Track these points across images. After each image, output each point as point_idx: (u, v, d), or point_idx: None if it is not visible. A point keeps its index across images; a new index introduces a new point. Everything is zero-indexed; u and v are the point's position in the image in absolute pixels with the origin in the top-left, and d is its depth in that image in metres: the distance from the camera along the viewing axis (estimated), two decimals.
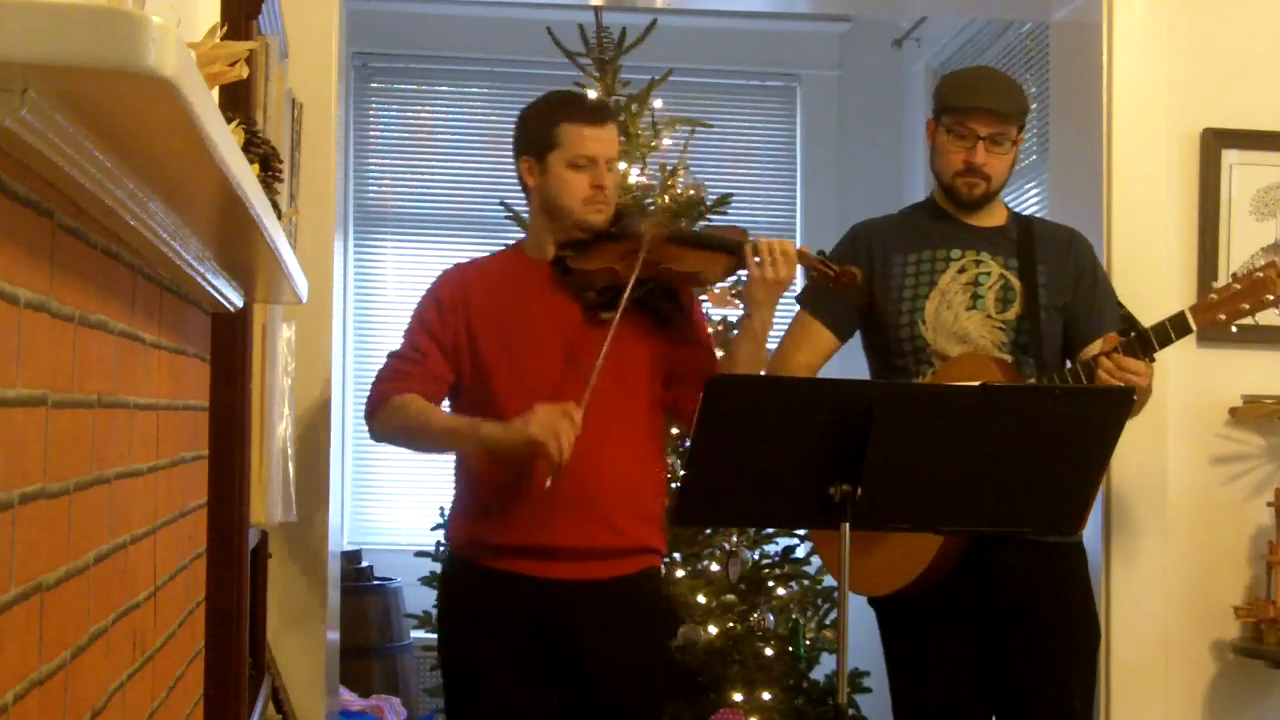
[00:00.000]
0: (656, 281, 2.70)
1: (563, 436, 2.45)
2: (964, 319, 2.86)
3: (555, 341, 2.68)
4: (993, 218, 2.96)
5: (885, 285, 2.93)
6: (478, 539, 2.70)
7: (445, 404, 2.76)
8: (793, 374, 2.93)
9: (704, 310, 3.04)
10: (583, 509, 2.63)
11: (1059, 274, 2.91)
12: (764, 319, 2.69)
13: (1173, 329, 2.71)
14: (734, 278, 2.89)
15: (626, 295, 2.59)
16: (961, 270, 2.90)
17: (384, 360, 2.75)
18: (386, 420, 2.69)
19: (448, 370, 2.72)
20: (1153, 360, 2.72)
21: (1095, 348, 2.77)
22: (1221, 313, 2.74)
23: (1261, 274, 2.73)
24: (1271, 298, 2.73)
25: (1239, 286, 2.74)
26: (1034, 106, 4.43)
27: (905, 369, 2.89)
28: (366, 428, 2.75)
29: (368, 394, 2.73)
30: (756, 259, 2.64)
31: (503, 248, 2.94)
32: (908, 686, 2.89)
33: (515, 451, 2.55)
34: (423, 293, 2.80)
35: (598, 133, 2.72)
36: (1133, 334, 2.72)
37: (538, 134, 2.75)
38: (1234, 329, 2.79)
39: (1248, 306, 2.73)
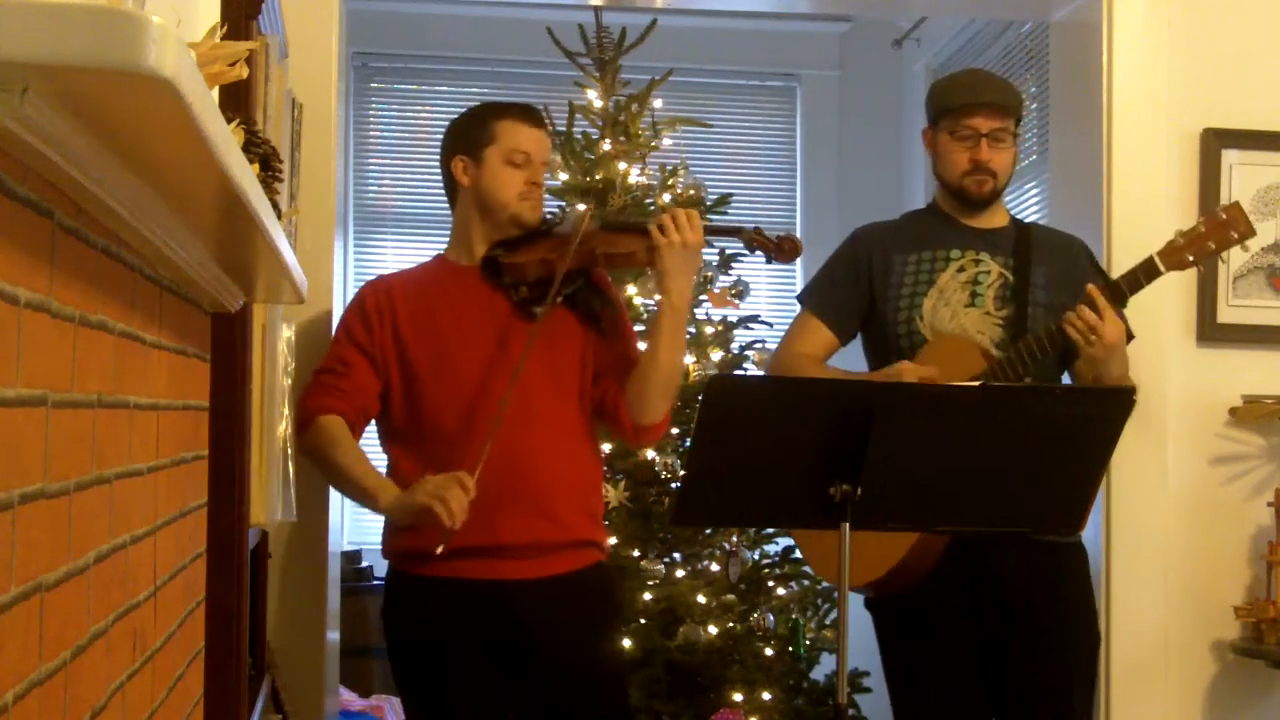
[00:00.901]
0: (588, 274, 2.73)
1: (452, 502, 2.43)
2: (961, 315, 2.87)
3: (484, 339, 2.68)
4: (994, 219, 2.98)
5: (885, 284, 2.94)
6: (414, 548, 2.62)
7: (373, 424, 2.78)
8: (792, 366, 2.94)
9: (626, 307, 3.06)
10: (521, 503, 2.62)
11: (1061, 276, 2.91)
12: (679, 288, 2.68)
13: (1142, 274, 2.76)
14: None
15: (557, 282, 2.61)
16: (961, 269, 2.91)
17: (310, 376, 2.75)
18: (309, 443, 2.71)
19: (375, 381, 2.72)
20: (1123, 305, 2.76)
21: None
22: (1189, 253, 2.76)
23: (1225, 214, 2.76)
24: (1236, 235, 2.76)
25: (1203, 227, 2.78)
26: (1034, 106, 4.44)
27: None
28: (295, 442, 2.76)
29: (296, 407, 2.73)
30: (661, 230, 2.65)
31: (421, 263, 2.95)
32: (907, 690, 2.89)
33: (409, 521, 2.54)
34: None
35: (534, 133, 2.76)
36: (1104, 284, 2.76)
37: (473, 132, 2.77)
38: (1234, 326, 2.80)
39: (1214, 245, 2.76)
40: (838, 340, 3.00)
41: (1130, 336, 2.88)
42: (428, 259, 2.94)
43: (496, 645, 2.66)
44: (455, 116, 2.87)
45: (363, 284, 2.89)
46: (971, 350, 2.81)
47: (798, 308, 3.08)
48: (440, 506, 2.43)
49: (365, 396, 2.72)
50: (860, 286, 2.98)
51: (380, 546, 2.79)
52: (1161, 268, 2.75)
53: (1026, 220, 3.22)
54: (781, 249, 2.74)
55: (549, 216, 2.88)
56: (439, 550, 2.46)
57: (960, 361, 2.79)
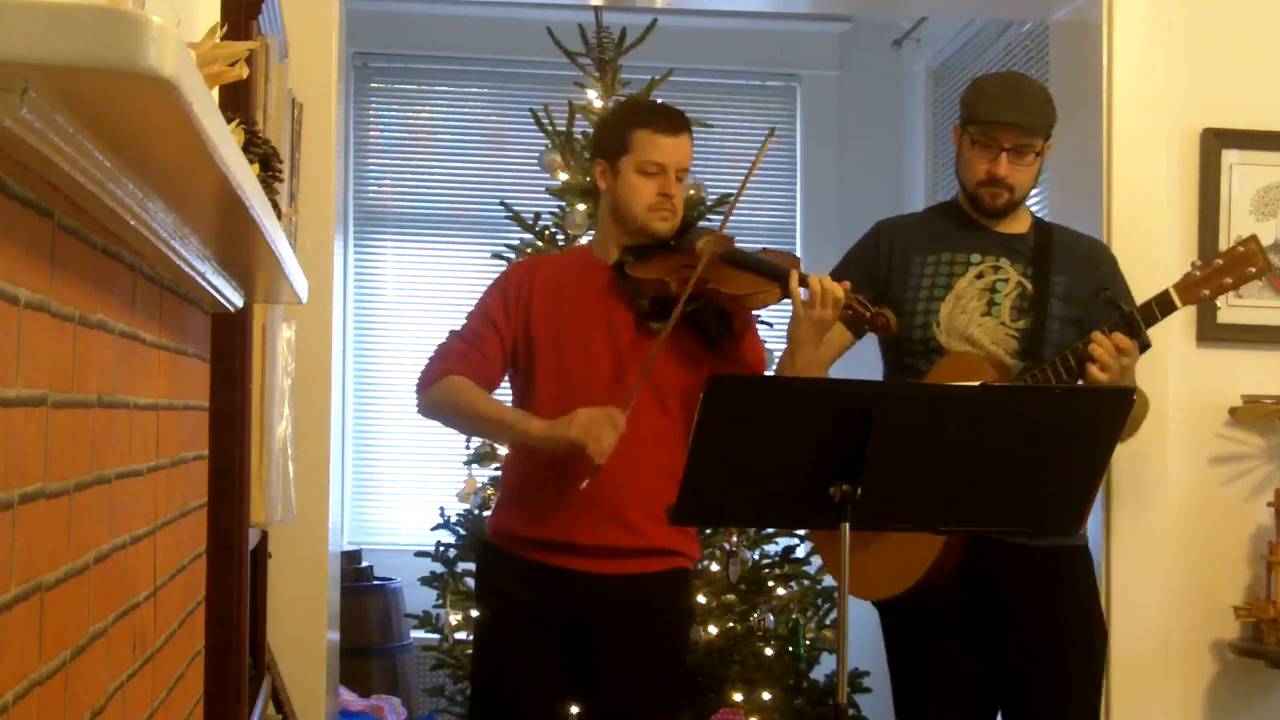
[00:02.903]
0: (707, 300, 2.71)
1: (604, 439, 2.53)
2: (976, 324, 2.85)
3: (604, 346, 2.74)
4: (1015, 224, 2.94)
5: (903, 284, 2.92)
6: (507, 530, 2.81)
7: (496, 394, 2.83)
8: (826, 342, 2.89)
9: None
10: (604, 512, 2.70)
11: (1077, 286, 2.89)
12: (806, 358, 2.69)
13: (1158, 308, 2.71)
14: None
15: (677, 312, 2.63)
16: (979, 275, 2.89)
17: (445, 336, 2.81)
18: (437, 397, 2.76)
19: (503, 360, 2.79)
20: (1141, 340, 2.71)
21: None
22: (1205, 289, 2.73)
23: (1243, 248, 2.73)
24: (1254, 270, 2.72)
25: (1221, 261, 2.74)
26: None
27: (915, 368, 2.89)
28: (416, 399, 2.81)
29: (424, 367, 2.80)
30: (804, 293, 2.65)
31: (575, 240, 2.98)
32: (910, 689, 2.89)
33: (557, 450, 2.61)
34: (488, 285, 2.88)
35: (671, 141, 2.76)
36: (1119, 317, 2.71)
37: (612, 138, 2.80)
38: (1233, 325, 2.79)
39: (1230, 281, 2.73)
40: (852, 336, 2.99)
41: (1146, 346, 2.87)
42: (575, 246, 2.98)
43: (565, 627, 2.74)
44: (608, 112, 2.89)
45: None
46: (983, 366, 2.78)
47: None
48: (594, 444, 2.52)
49: (490, 367, 2.78)
50: (878, 283, 2.95)
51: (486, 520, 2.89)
52: (1178, 303, 2.71)
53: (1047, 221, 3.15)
54: (875, 324, 2.71)
55: (692, 226, 2.86)
56: (584, 485, 2.56)
57: (972, 379, 2.76)
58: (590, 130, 4.33)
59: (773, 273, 2.72)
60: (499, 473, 3.90)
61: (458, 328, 2.83)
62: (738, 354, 2.82)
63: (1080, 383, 2.86)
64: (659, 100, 2.90)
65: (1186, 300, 2.72)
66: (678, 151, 2.76)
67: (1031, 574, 2.79)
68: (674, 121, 2.79)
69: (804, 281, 2.67)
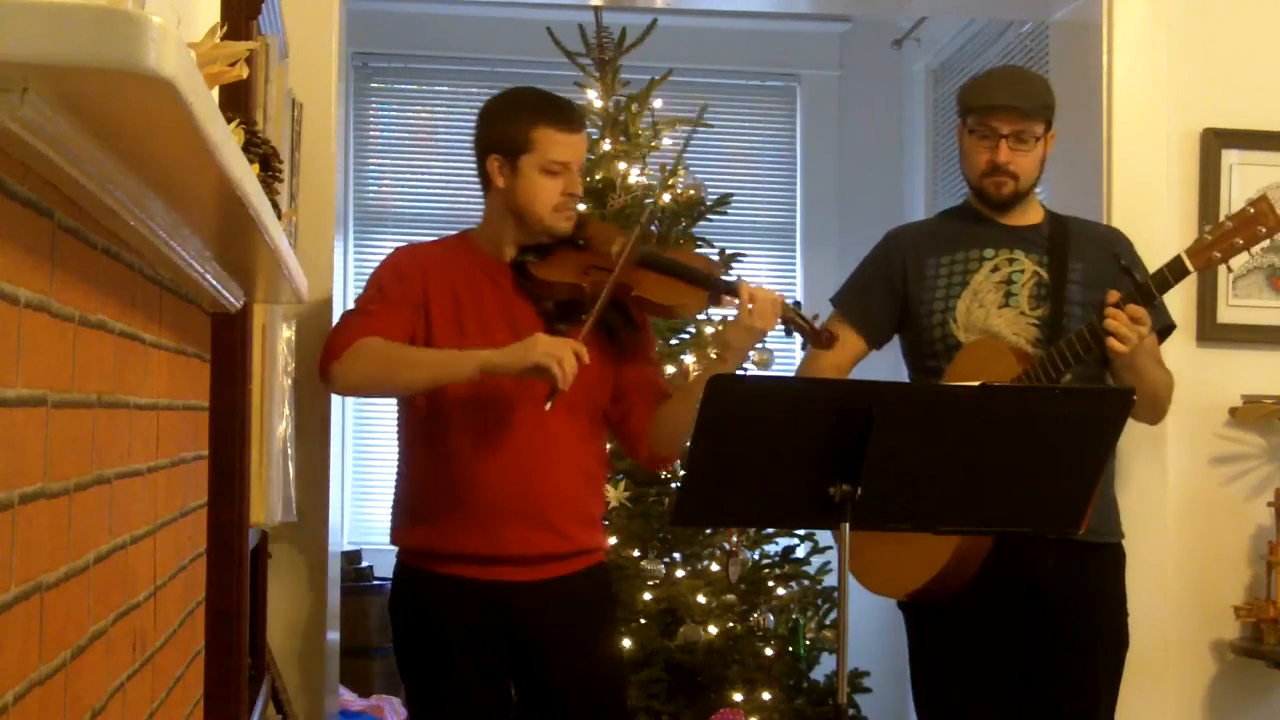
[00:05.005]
0: (620, 302, 2.67)
1: (566, 363, 2.43)
2: (995, 316, 2.85)
3: (505, 340, 2.60)
4: (1027, 216, 2.95)
5: (919, 288, 2.92)
6: (426, 546, 2.71)
7: None
8: (821, 374, 2.90)
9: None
10: (530, 518, 2.65)
11: (1095, 271, 2.88)
12: (737, 363, 2.68)
13: (1170, 274, 2.69)
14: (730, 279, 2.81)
15: (592, 318, 2.56)
16: (995, 269, 2.89)
17: (334, 321, 2.70)
18: (352, 363, 2.58)
19: (410, 323, 2.65)
20: (1153, 307, 2.70)
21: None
22: (1216, 250, 2.71)
23: (1253, 208, 2.72)
24: (1264, 229, 2.70)
25: (1231, 224, 2.72)
26: None
27: (937, 369, 2.89)
28: (324, 381, 2.66)
29: (324, 347, 2.64)
30: (742, 302, 2.60)
31: (446, 236, 2.91)
32: (936, 691, 2.88)
33: (516, 373, 2.49)
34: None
35: (573, 139, 2.70)
36: (1133, 286, 2.69)
37: (510, 134, 2.70)
38: (1235, 326, 2.78)
39: (1241, 242, 2.71)
40: (868, 346, 2.98)
41: (1172, 326, 2.84)
42: (450, 234, 2.89)
43: (497, 640, 2.69)
44: (489, 101, 2.78)
45: (389, 253, 2.82)
46: (1004, 353, 2.77)
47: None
48: (557, 367, 2.42)
49: (399, 332, 2.63)
50: (894, 292, 2.95)
51: (389, 535, 2.79)
52: (1190, 266, 2.68)
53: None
54: (820, 340, 2.67)
55: (591, 220, 2.82)
56: (547, 407, 2.47)
57: (994, 366, 2.75)
58: (590, 131, 4.34)
59: (699, 279, 2.66)
60: None
61: (348, 308, 2.71)
62: (643, 349, 2.79)
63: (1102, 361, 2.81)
64: (551, 91, 2.80)
65: (1198, 264, 2.70)
66: (579, 147, 2.71)
67: (1073, 575, 2.79)
68: (574, 116, 2.72)
69: (733, 290, 2.62)
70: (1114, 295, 2.68)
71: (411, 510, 2.76)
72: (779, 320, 2.63)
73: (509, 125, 2.71)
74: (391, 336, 2.61)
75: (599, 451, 2.81)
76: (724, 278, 2.71)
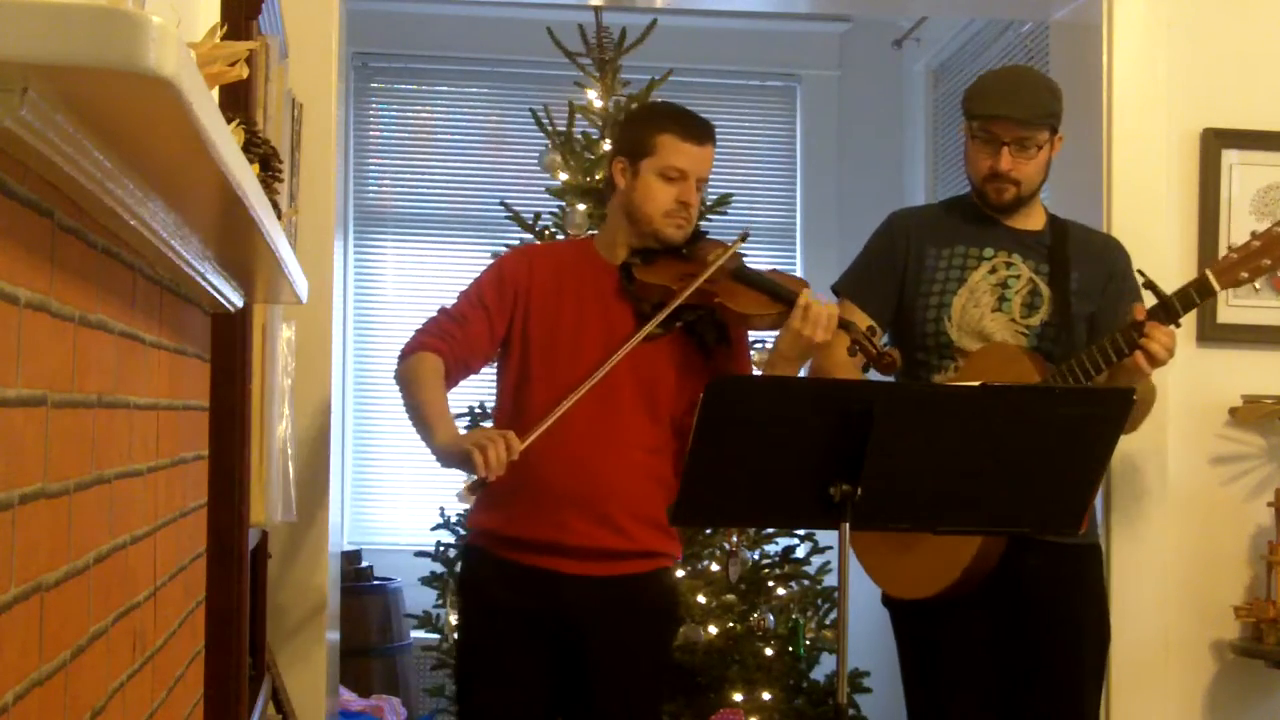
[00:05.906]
0: (709, 312, 2.71)
1: (491, 455, 2.46)
2: (988, 319, 2.84)
3: (597, 344, 2.69)
4: (1030, 220, 2.93)
5: (916, 277, 2.91)
6: (491, 529, 2.77)
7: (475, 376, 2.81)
8: (836, 364, 2.87)
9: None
10: (593, 512, 2.68)
11: (1089, 281, 2.88)
12: (786, 372, 2.68)
13: (1196, 292, 2.68)
14: None
15: (665, 313, 2.62)
16: (992, 270, 2.88)
17: (435, 311, 2.78)
18: (405, 369, 2.72)
19: (487, 342, 2.75)
20: (1178, 326, 2.69)
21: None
22: (1243, 270, 2.69)
23: (1278, 229, 2.71)
24: None
25: (1258, 243, 2.70)
26: None
27: (926, 363, 2.89)
28: (395, 365, 2.78)
29: (411, 337, 2.76)
30: (796, 308, 2.63)
31: (573, 237, 2.95)
32: (924, 689, 2.88)
33: (452, 462, 2.57)
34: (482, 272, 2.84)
35: (697, 150, 2.74)
36: (1158, 304, 2.67)
37: (636, 137, 2.77)
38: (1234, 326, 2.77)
39: (1269, 262, 2.69)
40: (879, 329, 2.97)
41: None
42: (574, 238, 2.94)
43: (551, 628, 2.72)
44: (635, 110, 2.84)
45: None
46: (1020, 359, 2.77)
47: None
48: (478, 455, 2.46)
49: (471, 351, 2.74)
50: (895, 275, 2.93)
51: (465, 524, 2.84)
52: (1216, 286, 2.67)
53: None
54: (881, 362, 2.68)
55: (702, 236, 2.84)
56: (458, 495, 2.55)
57: (1011, 371, 2.74)
58: (589, 130, 4.34)
59: (782, 295, 2.69)
60: None
61: (449, 304, 2.80)
62: (732, 366, 2.81)
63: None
64: (686, 107, 2.85)
65: (1225, 283, 2.69)
66: (702, 160, 2.74)
67: (1055, 571, 2.79)
68: (702, 129, 2.76)
69: (802, 303, 2.64)
70: (1141, 311, 2.67)
71: (485, 494, 2.80)
72: (850, 344, 2.64)
73: (638, 130, 2.79)
74: (460, 354, 2.72)
75: (669, 454, 2.79)
76: (807, 294, 2.72)
